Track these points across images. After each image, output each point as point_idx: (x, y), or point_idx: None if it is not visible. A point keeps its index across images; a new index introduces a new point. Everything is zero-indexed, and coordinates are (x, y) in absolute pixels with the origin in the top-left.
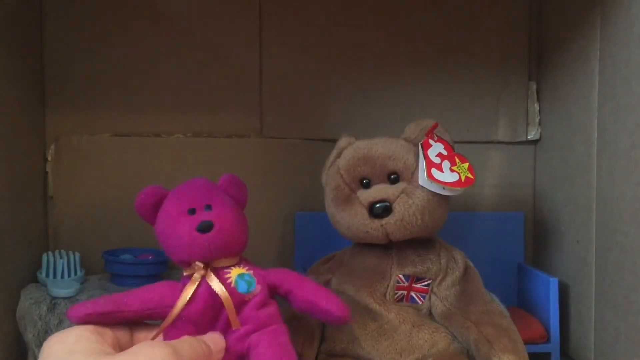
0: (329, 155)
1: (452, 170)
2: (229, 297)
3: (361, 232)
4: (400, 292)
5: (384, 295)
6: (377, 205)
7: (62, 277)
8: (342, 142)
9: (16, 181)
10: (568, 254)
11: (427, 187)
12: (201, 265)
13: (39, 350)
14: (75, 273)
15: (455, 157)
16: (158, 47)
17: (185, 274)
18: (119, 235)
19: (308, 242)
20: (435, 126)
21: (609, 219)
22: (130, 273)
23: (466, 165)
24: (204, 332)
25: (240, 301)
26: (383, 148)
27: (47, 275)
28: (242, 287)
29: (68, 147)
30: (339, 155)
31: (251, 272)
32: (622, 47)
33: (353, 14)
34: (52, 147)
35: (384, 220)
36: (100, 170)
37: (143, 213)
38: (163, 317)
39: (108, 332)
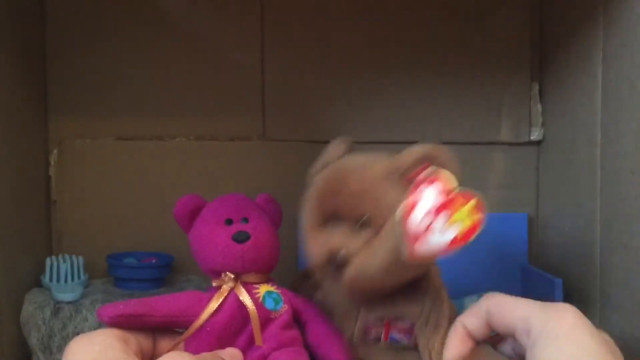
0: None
1: (447, 226)
2: (256, 311)
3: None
4: (374, 331)
5: (351, 336)
6: (335, 257)
7: (66, 281)
8: (331, 153)
9: (19, 186)
10: (572, 256)
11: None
12: (231, 276)
13: (43, 355)
14: (79, 277)
15: (454, 201)
16: (161, 51)
17: (214, 284)
18: (123, 239)
19: None
20: (426, 167)
21: (614, 220)
22: (133, 277)
23: (471, 204)
24: (226, 345)
25: (266, 318)
26: (359, 182)
27: (51, 279)
28: (269, 304)
29: (71, 151)
30: (324, 166)
31: (279, 291)
32: (626, 47)
33: (354, 17)
34: (55, 151)
35: (339, 272)
36: (103, 174)
37: (180, 220)
38: (188, 325)
39: (132, 339)
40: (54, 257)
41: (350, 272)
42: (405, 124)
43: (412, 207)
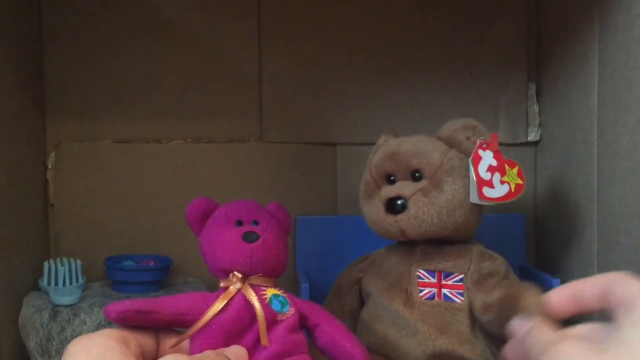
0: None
1: (502, 182)
2: (263, 310)
3: (380, 228)
4: (427, 289)
5: (408, 293)
6: (393, 202)
7: (64, 284)
8: (380, 140)
9: (17, 189)
10: (570, 255)
11: (479, 204)
12: (239, 276)
13: (41, 358)
14: (77, 280)
15: (505, 165)
16: (158, 53)
17: (221, 285)
18: (121, 242)
19: (309, 246)
20: (494, 138)
21: (611, 220)
22: (131, 280)
23: (515, 170)
24: (231, 344)
25: (272, 319)
26: (411, 145)
27: (49, 283)
28: (276, 306)
29: (69, 154)
30: (375, 152)
31: (285, 295)
32: (622, 47)
33: (352, 19)
34: (53, 154)
35: (399, 217)
36: (101, 177)
37: (191, 222)
38: (194, 324)
39: (133, 341)
40: (51, 261)
41: (409, 212)
42: (403, 125)
43: (478, 161)
